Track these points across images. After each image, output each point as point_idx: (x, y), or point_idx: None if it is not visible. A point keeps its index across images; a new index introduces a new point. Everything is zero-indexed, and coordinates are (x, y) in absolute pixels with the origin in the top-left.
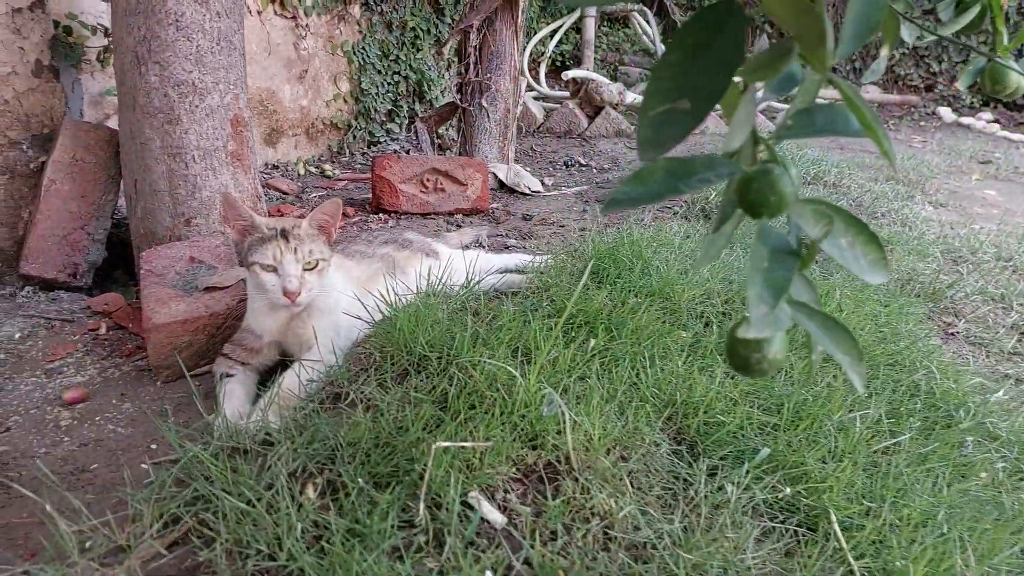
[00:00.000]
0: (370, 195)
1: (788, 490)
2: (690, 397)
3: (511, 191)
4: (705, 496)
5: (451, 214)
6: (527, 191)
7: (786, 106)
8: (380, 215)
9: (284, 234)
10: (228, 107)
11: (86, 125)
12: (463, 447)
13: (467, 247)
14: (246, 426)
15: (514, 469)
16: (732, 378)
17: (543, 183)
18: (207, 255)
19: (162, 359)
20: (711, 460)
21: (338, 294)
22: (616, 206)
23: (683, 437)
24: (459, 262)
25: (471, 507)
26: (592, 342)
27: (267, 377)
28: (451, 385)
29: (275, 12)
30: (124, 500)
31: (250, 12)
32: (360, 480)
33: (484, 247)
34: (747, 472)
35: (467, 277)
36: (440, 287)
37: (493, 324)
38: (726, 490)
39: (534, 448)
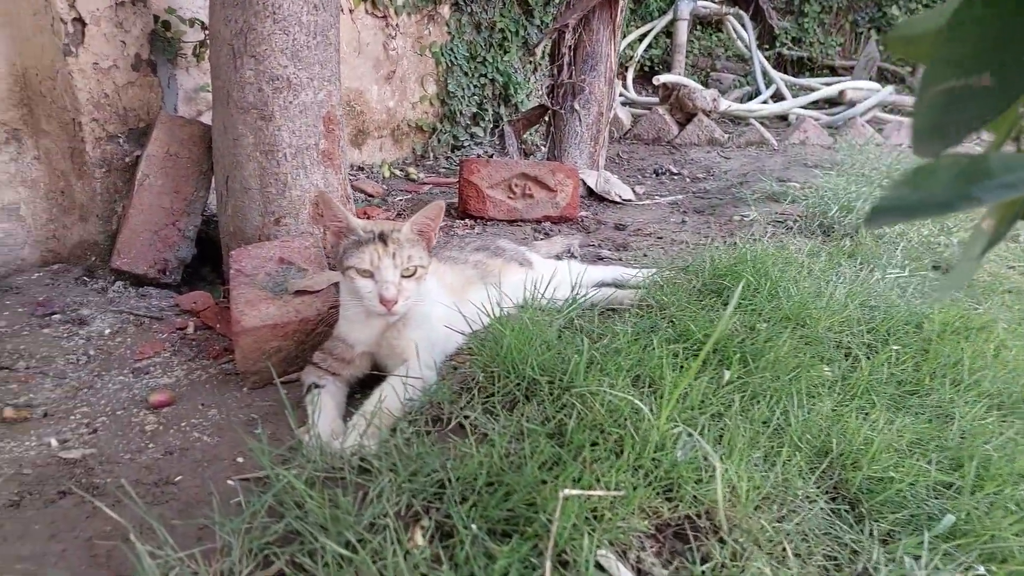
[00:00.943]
0: (456, 199)
1: (983, 570)
2: (848, 446)
3: (600, 199)
4: (882, 571)
5: (538, 221)
6: (618, 199)
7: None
8: (466, 220)
9: (383, 238)
10: (321, 104)
11: (180, 120)
12: (591, 495)
13: (557, 257)
14: (341, 448)
15: (646, 522)
16: (893, 424)
17: (634, 191)
18: (297, 256)
19: (250, 364)
20: (879, 524)
21: (433, 303)
22: (885, 216)
23: (842, 494)
24: (558, 273)
25: (600, 567)
26: (727, 374)
27: (356, 389)
28: (568, 417)
29: (366, 11)
30: (210, 524)
31: (342, 11)
32: (474, 526)
33: (576, 257)
34: (929, 544)
35: (572, 290)
36: (541, 301)
37: (608, 347)
38: (906, 565)
39: (669, 499)
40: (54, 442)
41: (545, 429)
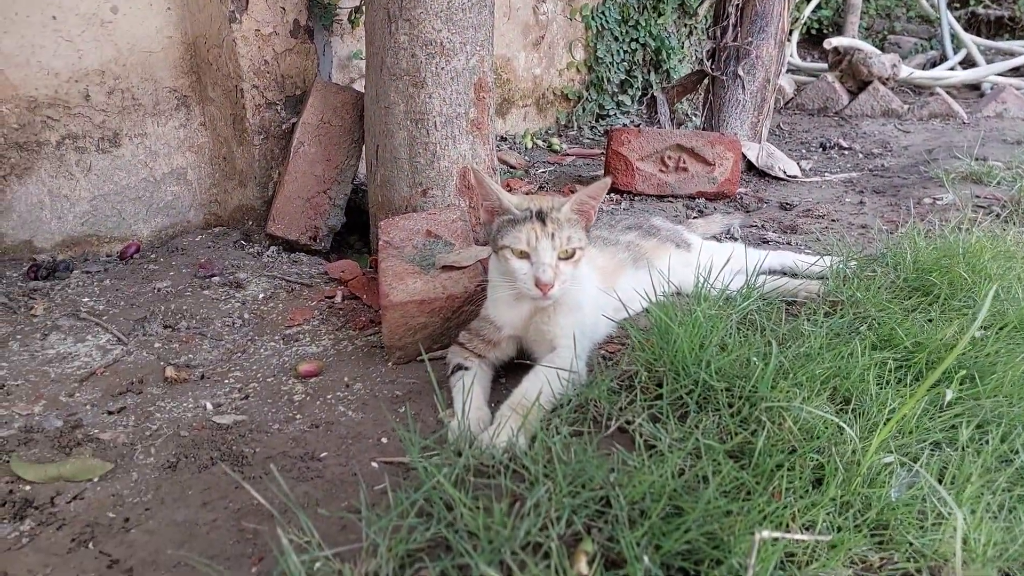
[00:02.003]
0: (602, 172)
1: None
2: None
3: (761, 175)
4: None
5: (692, 198)
6: (782, 175)
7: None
8: (612, 195)
9: (541, 217)
10: (473, 70)
11: (335, 87)
12: (789, 539)
13: (715, 239)
14: (492, 444)
15: (850, 572)
16: None
17: (799, 167)
18: (444, 230)
19: (396, 339)
20: None
21: (586, 288)
22: None
23: None
24: (719, 256)
25: None
26: (949, 394)
27: (499, 373)
28: (752, 433)
29: None
30: (354, 507)
31: None
32: (646, 558)
33: (737, 240)
34: None
35: (746, 278)
36: (707, 289)
37: (797, 351)
38: None
39: (879, 544)
40: (209, 405)
41: (725, 447)
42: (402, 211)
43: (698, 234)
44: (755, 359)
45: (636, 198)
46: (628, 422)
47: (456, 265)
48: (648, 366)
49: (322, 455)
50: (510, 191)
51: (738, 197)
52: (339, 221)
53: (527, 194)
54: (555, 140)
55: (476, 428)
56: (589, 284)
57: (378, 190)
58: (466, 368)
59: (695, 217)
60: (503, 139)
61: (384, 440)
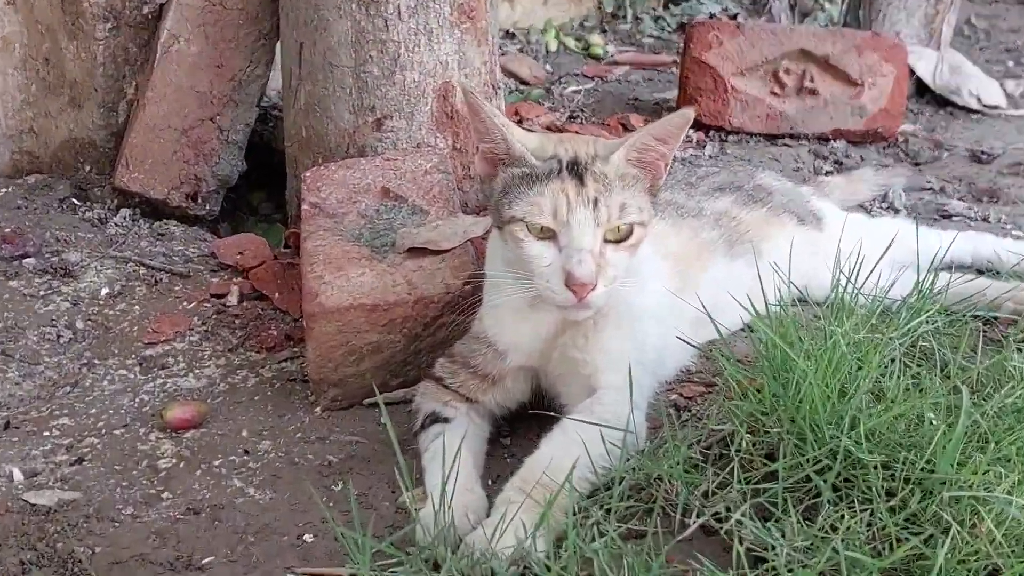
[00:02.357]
0: (675, 94)
1: None
2: None
3: (941, 102)
4: None
5: (824, 140)
6: (973, 103)
7: None
8: (689, 132)
9: (576, 170)
10: None
11: None
12: None
13: (863, 209)
14: (489, 551)
15: None
16: None
17: (1003, 90)
18: (410, 187)
19: (328, 368)
20: None
21: (646, 288)
22: None
23: None
24: (870, 240)
25: None
26: None
27: (502, 427)
28: (927, 540)
29: None
30: None
31: None
32: None
33: (898, 212)
34: None
35: (917, 278)
36: (852, 295)
37: (998, 401)
38: None
39: None
40: (18, 474)
41: (882, 563)
42: (342, 154)
43: (835, 202)
44: (931, 416)
45: (730, 138)
46: (719, 517)
47: (431, 247)
48: (752, 424)
49: (205, 561)
50: (520, 123)
51: (901, 140)
52: (236, 168)
53: (551, 130)
54: (596, 39)
55: (463, 522)
56: (654, 283)
57: (301, 118)
58: (446, 420)
59: (829, 172)
60: (510, 36)
61: (308, 538)
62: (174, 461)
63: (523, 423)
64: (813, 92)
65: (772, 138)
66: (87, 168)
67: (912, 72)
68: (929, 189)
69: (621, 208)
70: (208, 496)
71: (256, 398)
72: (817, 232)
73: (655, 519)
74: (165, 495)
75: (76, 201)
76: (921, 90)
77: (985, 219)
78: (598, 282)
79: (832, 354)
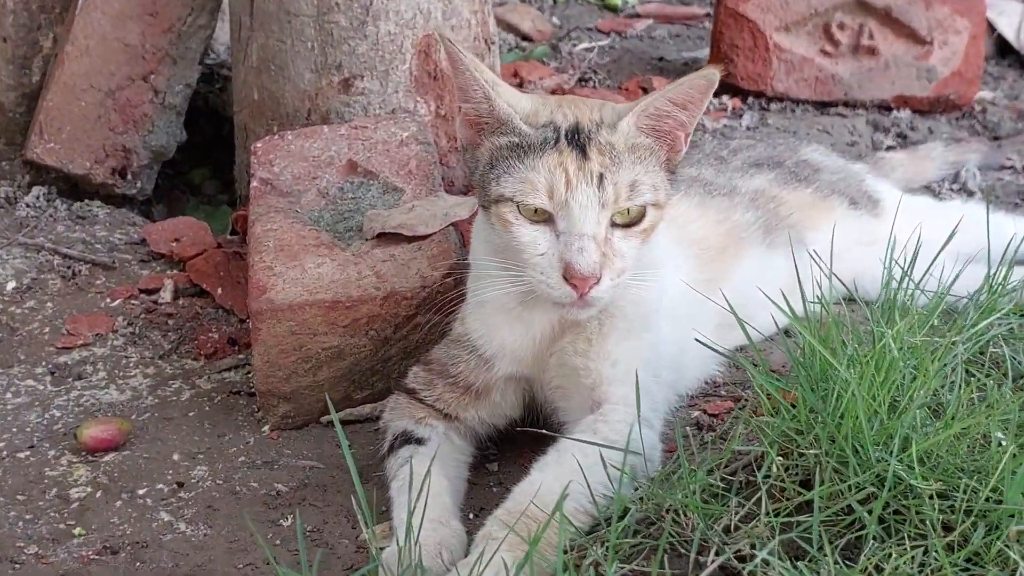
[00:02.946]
0: (707, 53)
1: None
2: None
3: None
4: None
5: (885, 108)
6: None
7: None
8: (724, 98)
9: (577, 138)
10: None
11: None
12: None
13: (930, 191)
14: None
15: None
16: None
17: None
18: (383, 160)
19: (278, 377)
20: None
21: (663, 282)
22: None
23: None
24: (934, 227)
25: None
26: None
27: (486, 448)
28: None
29: None
30: None
31: None
32: None
33: (972, 194)
34: None
35: (989, 272)
36: (908, 293)
37: None
38: None
39: None
40: None
41: None
42: (301, 121)
43: (896, 182)
44: (1000, 436)
45: (773, 106)
46: (742, 556)
47: (405, 233)
48: (785, 445)
49: None
50: (521, 87)
51: (978, 109)
52: (173, 138)
53: (554, 93)
54: None
55: (434, 563)
56: (672, 276)
57: (253, 78)
58: (420, 441)
59: (891, 148)
60: None
61: None
62: (90, 490)
63: (514, 445)
64: (872, 51)
65: (822, 106)
66: None
67: (992, 28)
68: (1010, 168)
69: (631, 186)
70: (129, 532)
71: (191, 414)
72: (872, 218)
73: (660, 558)
74: (77, 530)
75: None
76: (1003, 50)
77: None
78: (603, 275)
79: (880, 361)
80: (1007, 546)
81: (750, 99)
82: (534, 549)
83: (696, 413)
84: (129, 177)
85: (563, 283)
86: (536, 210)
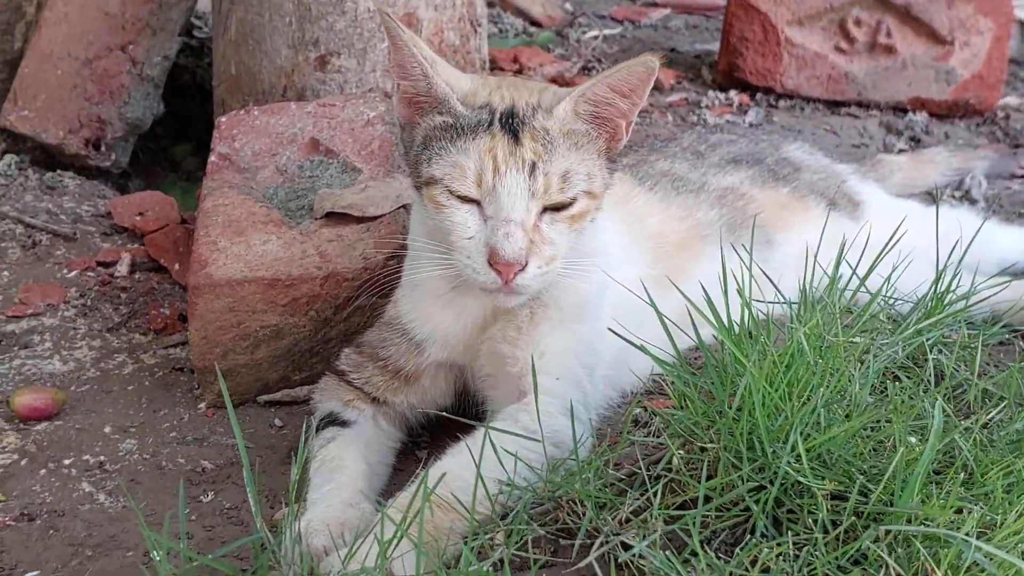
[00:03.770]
0: (717, 46)
1: None
2: None
3: None
4: None
5: (900, 110)
6: None
7: None
8: (731, 93)
9: (510, 122)
10: None
11: None
12: None
13: (931, 196)
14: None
15: None
16: None
17: None
18: (346, 139)
19: (215, 353)
20: None
21: (607, 276)
22: None
23: None
24: (917, 231)
25: None
26: None
27: (419, 436)
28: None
29: None
30: None
31: None
32: None
33: (976, 202)
34: None
35: (936, 281)
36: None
37: (1000, 430)
38: None
39: None
40: None
41: None
42: (276, 97)
43: (894, 185)
44: (914, 440)
45: (781, 103)
46: (625, 547)
47: (354, 213)
48: (688, 438)
49: (29, 575)
50: (520, 73)
51: (1001, 116)
52: (150, 112)
53: (556, 83)
54: None
55: (336, 541)
56: (624, 270)
57: (231, 52)
58: (344, 423)
59: (903, 151)
60: None
61: (157, 556)
62: (16, 457)
63: (447, 433)
64: (889, 50)
65: (834, 105)
66: None
67: (1022, 29)
68: (1021, 177)
69: (563, 176)
70: (49, 500)
71: (130, 388)
72: (850, 221)
73: (544, 546)
74: None
75: None
76: None
77: None
78: (529, 262)
79: (787, 356)
80: (892, 548)
81: (758, 95)
82: (435, 529)
83: (639, 410)
84: (103, 149)
85: (488, 268)
86: (461, 194)
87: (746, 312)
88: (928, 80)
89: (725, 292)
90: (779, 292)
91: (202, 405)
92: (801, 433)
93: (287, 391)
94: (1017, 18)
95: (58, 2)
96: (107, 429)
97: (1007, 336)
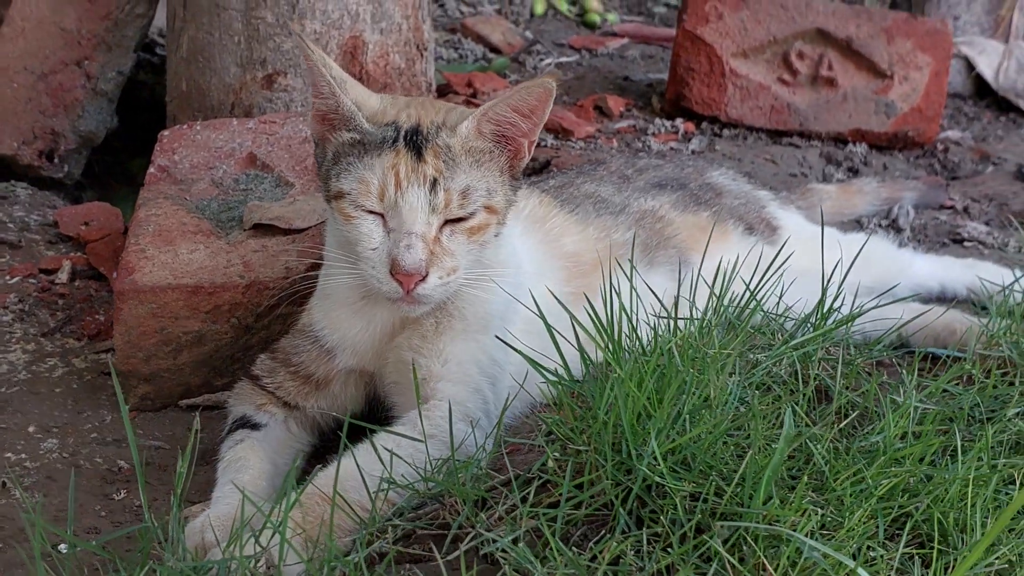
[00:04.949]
0: (667, 75)
1: None
2: None
3: (1005, 106)
4: None
5: (841, 141)
6: None
7: None
8: (678, 121)
9: (414, 140)
10: None
11: None
12: None
13: (858, 224)
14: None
15: None
16: None
17: None
18: (283, 155)
19: (138, 358)
20: None
21: (512, 287)
22: None
23: None
24: (831, 252)
25: None
26: None
27: (330, 442)
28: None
29: None
30: None
31: None
32: None
33: (903, 231)
34: None
35: (823, 295)
36: (749, 307)
37: (862, 438)
38: None
39: None
40: None
41: None
42: (224, 114)
43: (814, 214)
44: (776, 446)
45: (725, 132)
46: (493, 541)
47: (280, 225)
48: (564, 442)
49: None
50: (475, 97)
51: (940, 148)
52: (104, 124)
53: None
54: (594, 3)
55: (210, 538)
56: (528, 282)
57: (183, 69)
58: (255, 426)
59: (839, 178)
60: None
61: (63, 548)
62: None
63: (362, 438)
64: (831, 82)
65: (777, 135)
66: None
67: (971, 68)
68: (950, 208)
69: (463, 192)
70: None
71: (58, 390)
72: (767, 245)
73: (425, 542)
74: None
75: None
76: (982, 90)
77: (1003, 247)
78: (429, 272)
79: (653, 363)
80: (708, 537)
81: (704, 124)
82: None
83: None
84: (56, 160)
85: (391, 278)
86: (366, 208)
87: (626, 326)
88: (868, 112)
89: (607, 308)
90: (659, 307)
91: (128, 404)
92: (662, 436)
93: (208, 395)
94: (962, 53)
95: (16, 17)
96: (31, 428)
97: (890, 356)
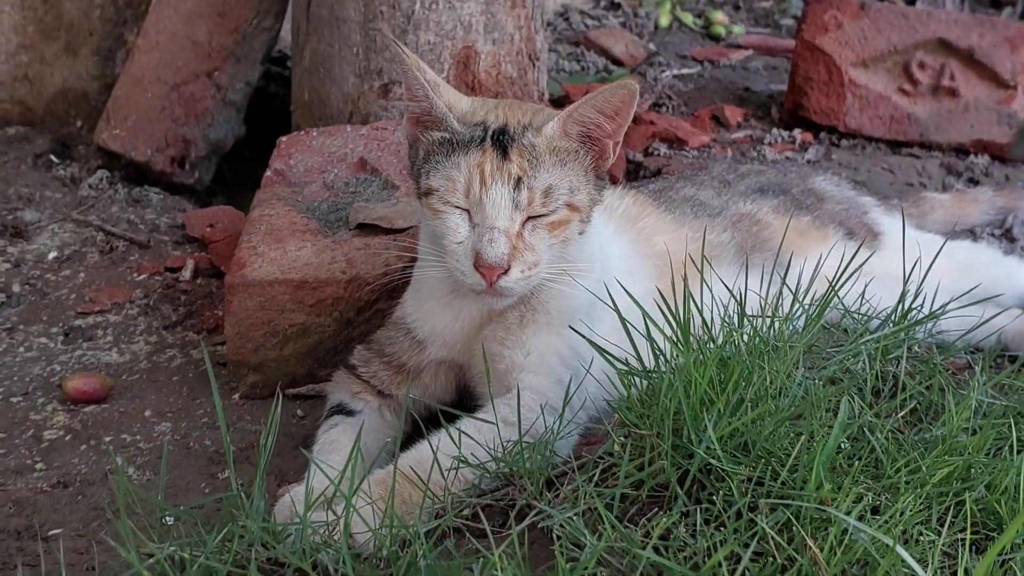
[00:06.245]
0: (786, 86)
1: None
2: None
3: None
4: None
5: (962, 152)
6: None
7: None
8: (795, 131)
9: (500, 140)
10: None
11: None
12: None
13: (972, 234)
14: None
15: None
16: None
17: None
18: (392, 160)
19: (248, 349)
20: None
21: (596, 284)
22: None
23: None
24: (940, 260)
25: None
26: None
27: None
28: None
29: None
30: None
31: None
32: None
33: (1015, 240)
34: None
35: (902, 295)
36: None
37: (918, 434)
38: None
39: None
40: None
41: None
42: (341, 119)
43: (926, 222)
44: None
45: (843, 142)
46: (550, 517)
47: (383, 225)
48: (629, 432)
49: (52, 532)
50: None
51: None
52: (232, 132)
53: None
54: (719, 16)
55: (327, 514)
56: (631, 284)
57: (305, 79)
58: (350, 412)
59: (955, 187)
60: (614, 6)
61: (169, 520)
62: (61, 434)
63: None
64: (952, 92)
65: (896, 145)
66: (78, 123)
67: None
68: None
69: (547, 191)
70: (84, 471)
71: (175, 379)
72: (867, 250)
73: (494, 518)
74: (39, 466)
75: (54, 158)
76: None
77: None
78: (511, 266)
79: (716, 353)
80: (753, 519)
81: (822, 134)
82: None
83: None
84: (187, 167)
85: (474, 271)
86: (452, 202)
87: (698, 321)
88: (990, 123)
89: (686, 305)
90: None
91: (236, 396)
92: (723, 421)
93: (311, 385)
94: None
95: (150, 31)
96: (147, 413)
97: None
